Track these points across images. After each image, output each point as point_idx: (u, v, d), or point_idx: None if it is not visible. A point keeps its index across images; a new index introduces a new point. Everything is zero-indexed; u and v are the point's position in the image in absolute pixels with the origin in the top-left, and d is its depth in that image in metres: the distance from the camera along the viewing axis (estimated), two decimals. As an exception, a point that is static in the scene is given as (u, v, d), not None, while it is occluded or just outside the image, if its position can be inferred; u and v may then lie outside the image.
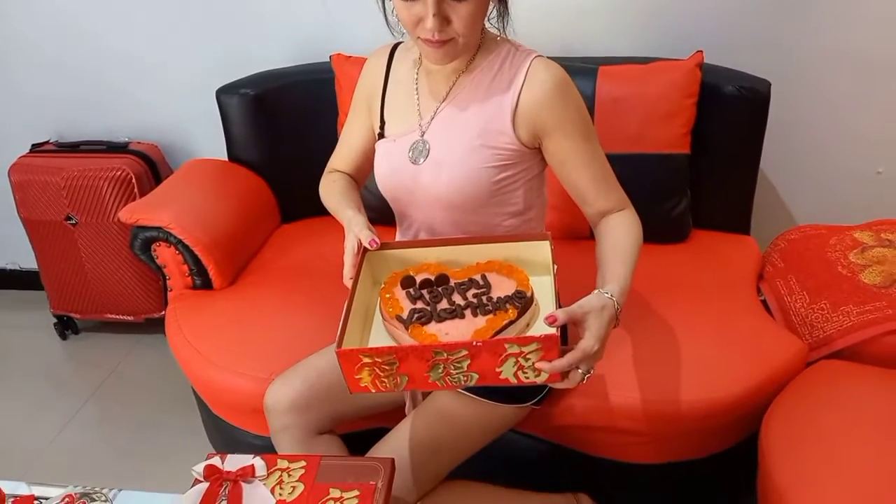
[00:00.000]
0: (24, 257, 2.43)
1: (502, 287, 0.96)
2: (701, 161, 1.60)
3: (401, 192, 1.14)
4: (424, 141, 1.10)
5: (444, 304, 0.95)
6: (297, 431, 1.20)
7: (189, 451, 1.48)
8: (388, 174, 1.14)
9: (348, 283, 1.00)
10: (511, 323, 0.90)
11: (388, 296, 0.98)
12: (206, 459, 0.97)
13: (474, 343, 0.82)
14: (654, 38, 1.72)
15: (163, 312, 2.13)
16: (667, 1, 1.70)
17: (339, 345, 0.85)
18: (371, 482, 0.93)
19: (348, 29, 1.82)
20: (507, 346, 0.82)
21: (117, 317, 2.14)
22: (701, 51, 1.57)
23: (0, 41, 2.06)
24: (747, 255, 1.61)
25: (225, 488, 0.93)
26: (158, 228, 1.51)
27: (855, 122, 1.81)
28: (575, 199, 1.11)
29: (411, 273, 1.01)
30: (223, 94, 1.77)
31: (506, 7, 1.06)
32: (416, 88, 1.13)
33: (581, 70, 1.56)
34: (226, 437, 1.51)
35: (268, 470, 0.96)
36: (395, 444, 1.14)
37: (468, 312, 0.94)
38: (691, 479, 1.36)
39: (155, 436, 1.84)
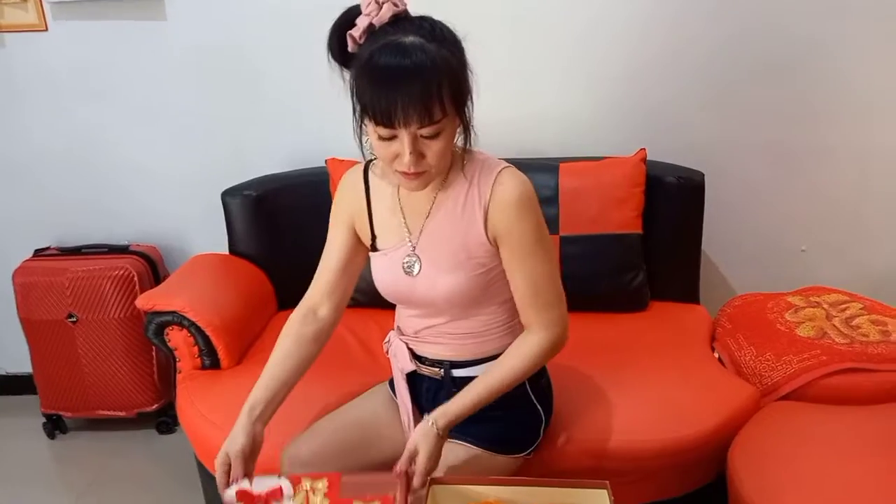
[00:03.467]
0: (11, 362, 2.48)
1: None
2: (653, 241, 1.86)
3: (400, 297, 1.28)
4: (416, 255, 1.22)
5: None
6: (313, 485, 1.30)
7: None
8: (389, 284, 1.25)
9: (221, 490, 1.11)
10: None
11: None
12: (234, 483, 1.06)
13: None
14: (602, 139, 2.02)
15: (154, 406, 2.21)
16: (611, 109, 2.04)
17: None
18: (390, 494, 1.05)
19: (341, 135, 2.06)
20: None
21: (109, 413, 2.19)
22: (644, 148, 1.87)
23: (5, 150, 2.23)
24: (699, 320, 1.83)
25: None
26: (173, 313, 1.65)
27: (780, 206, 2.12)
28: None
29: None
30: (227, 195, 1.97)
31: (468, 132, 1.13)
32: (401, 208, 1.22)
33: (545, 167, 1.83)
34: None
35: (294, 490, 1.05)
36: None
37: None
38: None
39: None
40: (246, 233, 1.98)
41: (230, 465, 1.12)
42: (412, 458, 1.12)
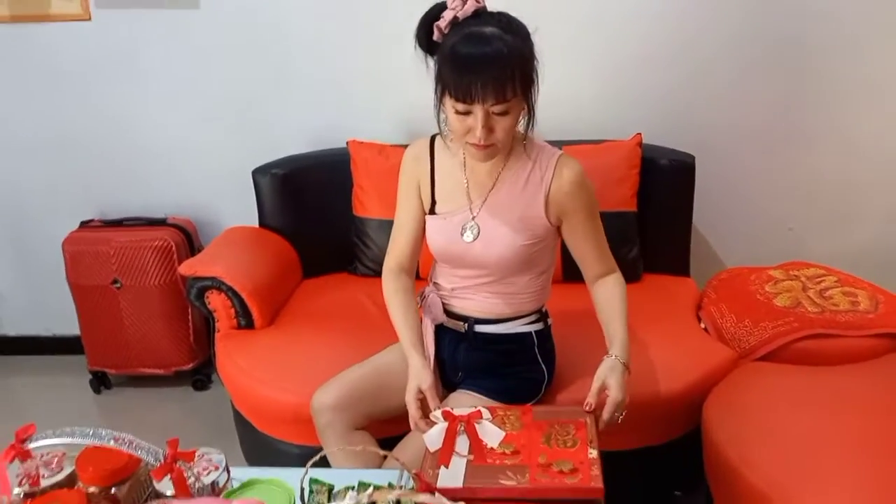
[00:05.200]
0: (58, 324, 2.70)
1: None
2: (646, 218, 2.03)
3: (453, 258, 1.45)
4: (475, 223, 1.40)
5: None
6: (338, 426, 1.48)
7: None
8: (444, 245, 1.43)
9: (413, 424, 1.32)
10: None
11: None
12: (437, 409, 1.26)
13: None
14: (603, 124, 2.18)
15: (190, 365, 2.42)
16: (611, 97, 2.19)
17: None
18: (581, 419, 1.22)
19: (361, 119, 2.25)
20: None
21: (149, 370, 2.41)
22: (640, 133, 2.03)
23: (52, 130, 2.43)
24: (688, 292, 2.01)
25: (461, 427, 1.19)
26: (213, 278, 1.84)
27: (768, 188, 2.28)
28: (577, 261, 1.44)
29: None
30: (257, 173, 2.15)
31: (533, 116, 1.31)
32: (466, 179, 1.41)
33: (548, 149, 2.00)
34: (267, 451, 1.77)
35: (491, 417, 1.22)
36: (419, 441, 1.42)
37: None
38: (655, 464, 1.67)
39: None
40: (274, 207, 2.17)
41: (421, 399, 1.34)
42: (601, 391, 1.26)
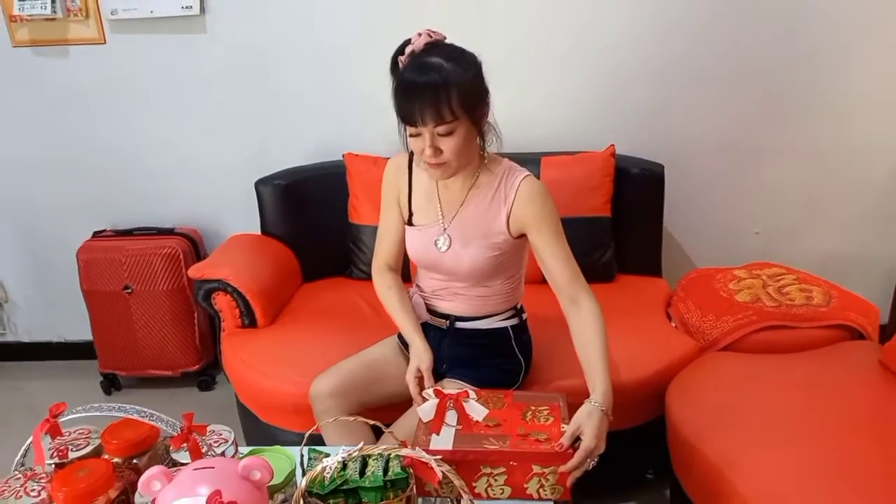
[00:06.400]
0: (70, 331, 2.85)
1: None
2: (620, 222, 2.19)
3: (429, 265, 1.61)
4: (447, 235, 1.53)
5: None
6: (334, 412, 1.61)
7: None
8: (420, 253, 1.58)
9: (416, 397, 1.45)
10: None
11: None
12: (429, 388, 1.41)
13: (510, 463, 1.19)
14: (579, 137, 2.36)
15: (196, 366, 2.57)
16: (587, 112, 2.37)
17: None
18: (555, 403, 1.35)
19: (356, 133, 2.42)
20: (533, 466, 1.20)
21: (158, 372, 2.56)
22: (613, 144, 2.20)
23: (68, 147, 2.60)
24: (659, 291, 2.17)
25: (450, 403, 1.32)
26: (219, 280, 2.00)
27: (734, 196, 2.45)
28: (547, 277, 1.48)
29: None
30: (260, 184, 2.31)
31: (482, 136, 1.45)
32: (439, 195, 1.54)
33: (530, 160, 2.14)
34: (269, 441, 1.90)
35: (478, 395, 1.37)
36: (411, 422, 1.54)
37: None
38: (627, 447, 1.80)
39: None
40: (275, 216, 2.33)
41: (420, 378, 1.48)
42: (574, 437, 1.24)
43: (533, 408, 1.35)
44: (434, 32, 1.39)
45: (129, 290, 2.46)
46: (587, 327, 1.42)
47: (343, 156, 2.32)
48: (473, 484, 1.23)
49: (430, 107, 1.32)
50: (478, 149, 1.48)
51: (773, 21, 2.26)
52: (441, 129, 1.35)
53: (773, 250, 2.46)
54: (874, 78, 2.31)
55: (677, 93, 2.35)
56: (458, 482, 0.97)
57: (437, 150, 1.37)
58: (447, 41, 1.41)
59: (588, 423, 1.26)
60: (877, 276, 2.47)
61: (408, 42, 1.40)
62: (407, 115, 1.35)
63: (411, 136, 1.39)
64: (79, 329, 2.75)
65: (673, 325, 2.04)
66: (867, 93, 2.32)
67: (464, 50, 1.40)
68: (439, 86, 1.31)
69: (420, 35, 1.38)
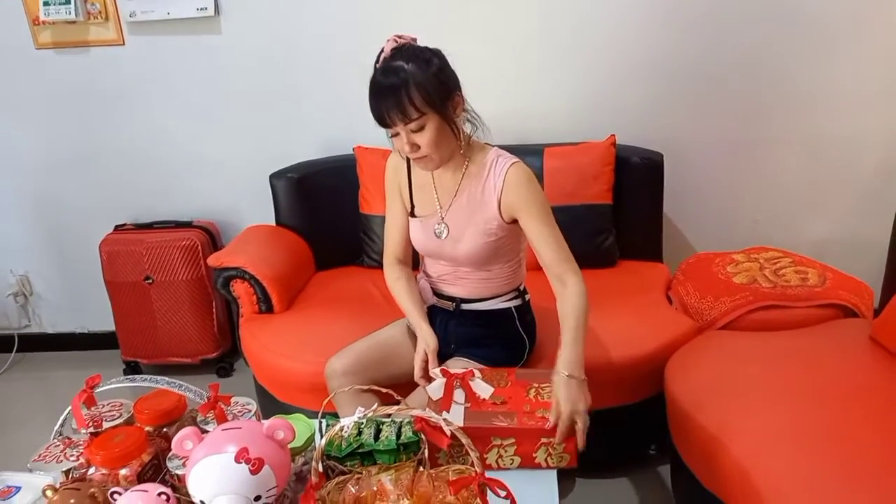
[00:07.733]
0: (93, 321, 2.96)
1: None
2: (621, 209, 2.27)
3: (430, 252, 1.70)
4: (445, 224, 1.61)
5: None
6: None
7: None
8: (422, 242, 1.66)
9: (419, 380, 1.54)
10: None
11: None
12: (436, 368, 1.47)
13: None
14: (580, 128, 2.43)
15: (215, 353, 2.67)
16: (587, 102, 2.45)
17: None
18: None
19: (366, 127, 2.48)
20: (541, 437, 1.28)
21: (178, 359, 2.66)
22: (614, 134, 2.27)
23: (90, 145, 2.70)
24: (659, 275, 2.24)
25: (457, 382, 1.38)
26: (237, 268, 2.09)
27: (734, 185, 2.52)
28: (539, 261, 1.53)
29: None
30: (274, 177, 2.41)
31: (456, 127, 1.49)
32: (435, 187, 1.62)
33: (533, 151, 2.24)
34: (286, 419, 2.01)
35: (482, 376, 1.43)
36: (422, 395, 1.65)
37: None
38: (630, 422, 1.89)
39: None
40: (289, 208, 2.42)
41: (426, 360, 1.56)
42: (557, 411, 1.29)
43: (536, 385, 1.41)
44: (401, 37, 1.47)
45: (150, 281, 2.56)
46: (567, 303, 1.48)
47: (354, 149, 2.40)
48: (485, 455, 1.29)
49: (394, 107, 1.40)
50: (458, 139, 1.53)
51: (767, 15, 2.32)
52: (412, 125, 1.42)
53: (770, 236, 2.52)
54: (863, 71, 2.37)
55: (676, 86, 2.42)
56: (465, 440, 1.05)
57: (415, 146, 1.45)
58: (415, 43, 1.48)
59: (559, 392, 1.33)
60: (871, 260, 2.52)
61: (382, 50, 1.48)
62: (377, 117, 1.43)
63: (391, 136, 1.48)
64: (101, 319, 2.86)
65: (673, 306, 2.11)
66: (857, 86, 2.39)
67: (426, 49, 1.46)
68: (399, 87, 1.39)
69: (388, 41, 1.46)
